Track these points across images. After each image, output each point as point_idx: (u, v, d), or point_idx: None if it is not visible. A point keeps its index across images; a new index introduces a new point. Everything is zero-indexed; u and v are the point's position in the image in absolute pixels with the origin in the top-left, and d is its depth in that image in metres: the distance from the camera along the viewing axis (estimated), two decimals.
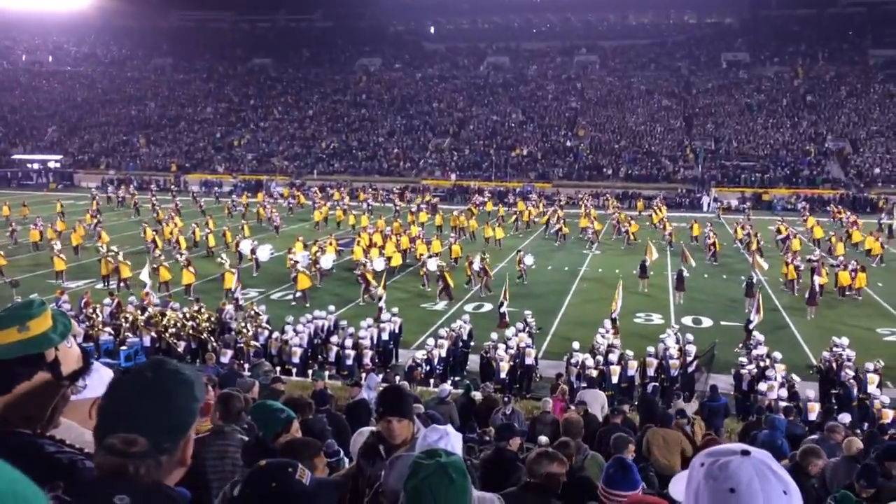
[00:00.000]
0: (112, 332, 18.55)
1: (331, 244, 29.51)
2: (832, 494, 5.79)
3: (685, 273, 25.04)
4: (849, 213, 41.44)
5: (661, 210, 41.17)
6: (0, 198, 46.84)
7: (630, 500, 3.76)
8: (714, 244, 31.49)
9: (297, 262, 25.62)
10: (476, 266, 26.06)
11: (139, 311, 19.24)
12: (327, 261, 27.78)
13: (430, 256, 27.15)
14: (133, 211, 43.84)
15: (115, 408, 1.58)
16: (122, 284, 25.55)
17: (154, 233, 32.18)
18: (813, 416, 14.18)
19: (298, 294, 24.40)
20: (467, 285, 26.48)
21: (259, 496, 2.14)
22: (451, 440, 3.09)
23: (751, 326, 18.95)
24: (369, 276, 24.48)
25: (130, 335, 18.46)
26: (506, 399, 11.27)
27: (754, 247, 28.49)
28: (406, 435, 3.54)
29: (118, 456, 1.53)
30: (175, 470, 1.63)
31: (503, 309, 21.15)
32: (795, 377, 15.53)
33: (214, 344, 18.06)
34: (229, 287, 23.18)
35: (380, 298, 21.63)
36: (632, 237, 35.08)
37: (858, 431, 11.76)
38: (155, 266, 25.05)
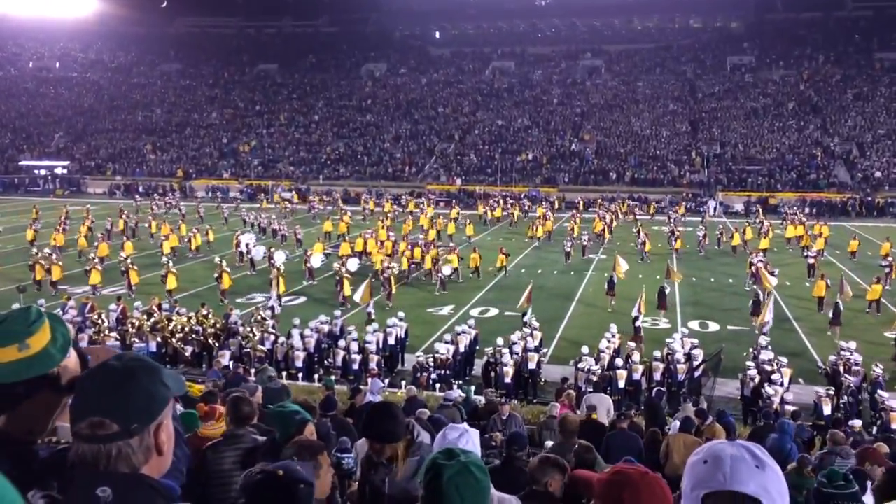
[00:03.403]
0: (118, 338, 18.58)
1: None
2: (822, 472, 5.72)
3: (667, 290, 23.42)
4: (800, 216, 41.86)
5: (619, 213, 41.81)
6: (8, 204, 47.11)
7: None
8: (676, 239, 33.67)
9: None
10: (387, 273, 25.41)
11: (145, 317, 19.28)
12: (316, 259, 28.29)
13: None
14: (180, 217, 43.53)
15: (83, 398, 1.59)
16: (45, 287, 26.02)
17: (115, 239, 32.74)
18: (828, 411, 14.15)
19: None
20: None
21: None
22: (471, 437, 3.13)
23: (764, 331, 18.54)
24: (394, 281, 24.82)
25: (137, 341, 18.49)
26: (502, 402, 11.18)
27: (760, 263, 27.33)
28: (389, 454, 3.57)
29: (89, 441, 1.54)
30: (152, 458, 1.63)
31: (638, 323, 19.78)
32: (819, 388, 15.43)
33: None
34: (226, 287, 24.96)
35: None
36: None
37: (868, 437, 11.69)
38: (87, 268, 26.06)
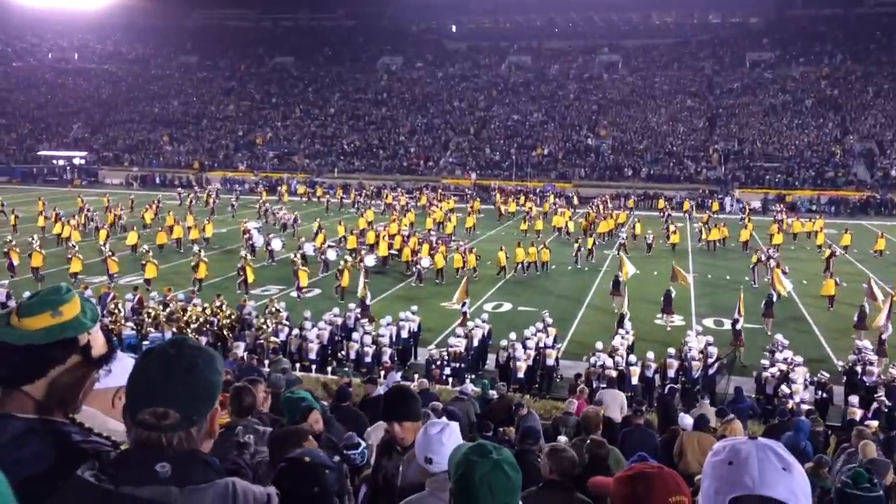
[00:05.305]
0: (134, 327, 18.74)
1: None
2: (845, 473, 5.67)
3: (673, 293, 22.42)
4: (786, 214, 41.99)
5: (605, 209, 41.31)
6: (29, 194, 47.52)
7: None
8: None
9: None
10: (341, 265, 25.16)
11: (161, 307, 19.42)
12: (308, 247, 28.56)
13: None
14: (209, 210, 43.33)
15: (144, 385, 1.63)
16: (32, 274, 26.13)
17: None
18: (851, 417, 13.93)
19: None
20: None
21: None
22: (452, 430, 3.10)
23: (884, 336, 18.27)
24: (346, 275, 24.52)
25: (153, 330, 18.63)
26: (516, 403, 11.10)
27: (775, 263, 26.58)
28: (412, 436, 3.56)
29: (151, 430, 1.59)
30: (205, 442, 1.69)
31: (738, 326, 19.01)
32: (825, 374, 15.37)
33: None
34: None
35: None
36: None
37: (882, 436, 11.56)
38: (69, 256, 26.19)
